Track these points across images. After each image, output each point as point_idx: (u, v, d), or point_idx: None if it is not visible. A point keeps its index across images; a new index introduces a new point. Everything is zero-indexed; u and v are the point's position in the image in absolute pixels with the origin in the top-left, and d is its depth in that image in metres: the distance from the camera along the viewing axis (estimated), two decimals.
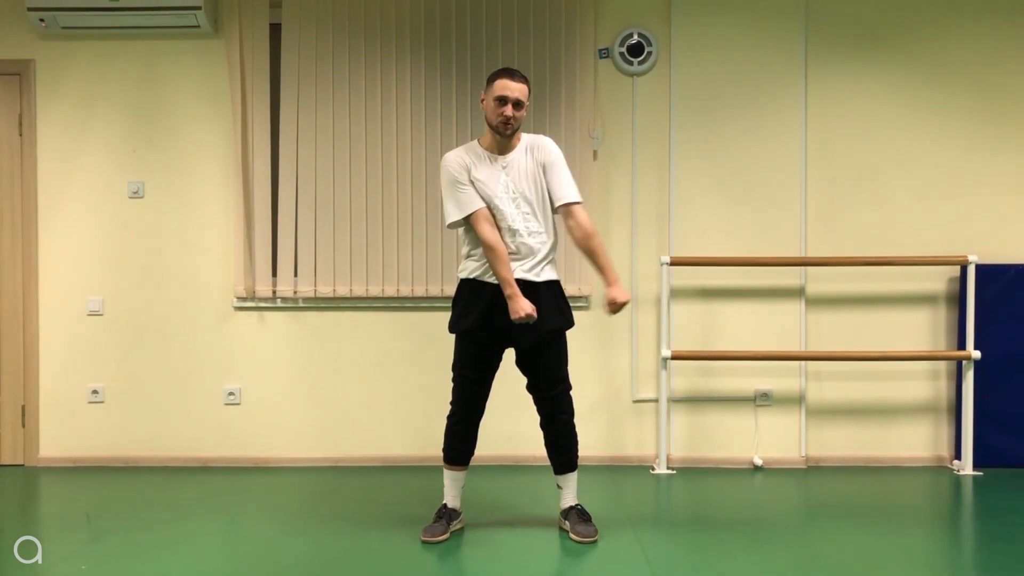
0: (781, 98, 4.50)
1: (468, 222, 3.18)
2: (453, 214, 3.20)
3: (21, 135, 4.56)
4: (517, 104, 3.15)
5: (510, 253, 3.17)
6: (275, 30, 4.51)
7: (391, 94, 4.49)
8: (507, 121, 3.14)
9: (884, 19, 4.52)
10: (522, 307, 3.08)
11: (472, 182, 3.18)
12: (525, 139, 3.29)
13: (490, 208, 3.18)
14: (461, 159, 3.22)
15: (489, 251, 3.13)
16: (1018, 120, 4.52)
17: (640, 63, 4.51)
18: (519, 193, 3.19)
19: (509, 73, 3.20)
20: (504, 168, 3.20)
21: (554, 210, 3.26)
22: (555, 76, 4.47)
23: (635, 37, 4.50)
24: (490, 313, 3.19)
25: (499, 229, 3.18)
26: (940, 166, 4.53)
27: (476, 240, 3.20)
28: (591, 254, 3.24)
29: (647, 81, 4.55)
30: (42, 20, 4.36)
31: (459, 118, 4.48)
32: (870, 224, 4.52)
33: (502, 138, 3.20)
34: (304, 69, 4.48)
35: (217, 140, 4.54)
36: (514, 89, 3.14)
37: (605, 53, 4.52)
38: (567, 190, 3.23)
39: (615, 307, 3.18)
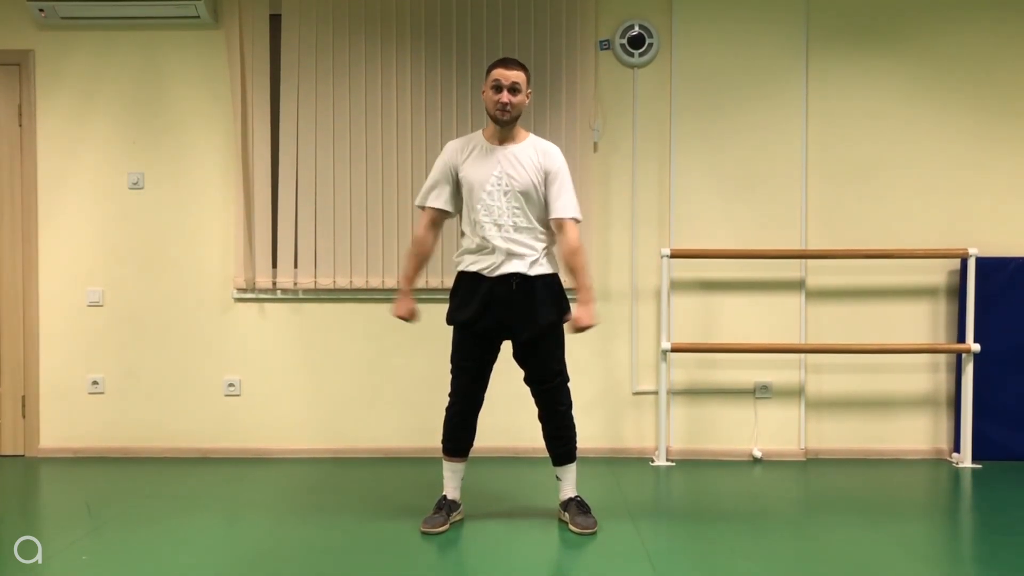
0: (782, 90, 4.49)
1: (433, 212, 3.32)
2: (417, 198, 3.40)
3: (21, 126, 4.55)
4: (512, 89, 3.14)
5: (489, 250, 3.18)
6: (275, 21, 4.50)
7: (391, 85, 4.48)
8: (503, 108, 3.14)
9: (885, 13, 4.51)
10: (397, 308, 3.34)
11: (457, 177, 3.24)
12: (533, 139, 3.28)
13: (475, 199, 3.18)
14: (456, 151, 3.26)
15: (411, 245, 3.42)
16: (1019, 114, 4.51)
17: (641, 55, 4.50)
18: (512, 186, 3.18)
19: (503, 62, 3.21)
20: (500, 159, 3.19)
21: (550, 220, 3.25)
22: (556, 68, 4.46)
23: (636, 29, 4.49)
24: (488, 305, 3.19)
25: (483, 224, 3.18)
26: (941, 160, 4.52)
27: (472, 233, 3.23)
28: (572, 271, 3.24)
29: (648, 73, 4.54)
30: (42, 10, 4.35)
31: (459, 109, 4.47)
32: (870, 217, 4.52)
33: (502, 128, 3.20)
34: (304, 60, 4.47)
35: (217, 131, 4.53)
36: (507, 76, 3.15)
37: (606, 45, 4.51)
38: (564, 203, 3.20)
39: (577, 329, 3.19)
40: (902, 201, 4.52)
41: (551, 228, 3.27)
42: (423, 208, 3.33)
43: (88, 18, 4.41)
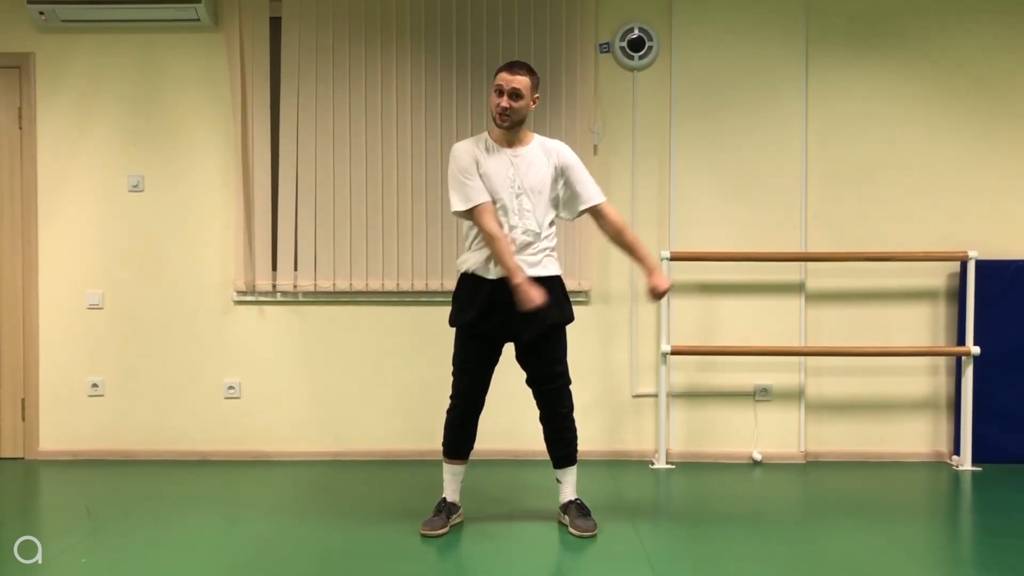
0: (782, 93, 4.50)
1: (472, 215, 3.16)
2: (457, 204, 3.17)
3: (21, 128, 4.55)
4: (513, 94, 3.14)
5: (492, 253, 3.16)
6: (275, 24, 4.50)
7: (391, 88, 4.48)
8: (503, 112, 3.15)
9: (885, 15, 4.51)
10: (531, 298, 3.03)
11: (480, 175, 3.17)
12: (539, 139, 3.29)
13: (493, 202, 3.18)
14: (471, 150, 3.21)
15: (494, 241, 3.08)
16: (1019, 116, 4.51)
17: (641, 58, 4.50)
18: (523, 189, 3.18)
19: (509, 66, 3.22)
20: (512, 161, 3.20)
21: (580, 213, 3.29)
22: (555, 71, 4.47)
23: (636, 32, 4.49)
24: (490, 307, 3.18)
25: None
26: (940, 162, 4.52)
27: (477, 235, 3.21)
28: (628, 248, 3.30)
29: (648, 76, 4.54)
30: (42, 13, 4.35)
31: (459, 112, 4.48)
32: (870, 219, 4.52)
33: (506, 131, 3.20)
34: (304, 63, 4.47)
35: (217, 134, 4.54)
36: (509, 80, 3.16)
37: (606, 48, 4.52)
38: (593, 191, 3.27)
39: (657, 295, 3.20)
40: (902, 203, 4.52)
41: (553, 231, 3.28)
42: (472, 210, 3.14)
43: (88, 21, 4.41)
